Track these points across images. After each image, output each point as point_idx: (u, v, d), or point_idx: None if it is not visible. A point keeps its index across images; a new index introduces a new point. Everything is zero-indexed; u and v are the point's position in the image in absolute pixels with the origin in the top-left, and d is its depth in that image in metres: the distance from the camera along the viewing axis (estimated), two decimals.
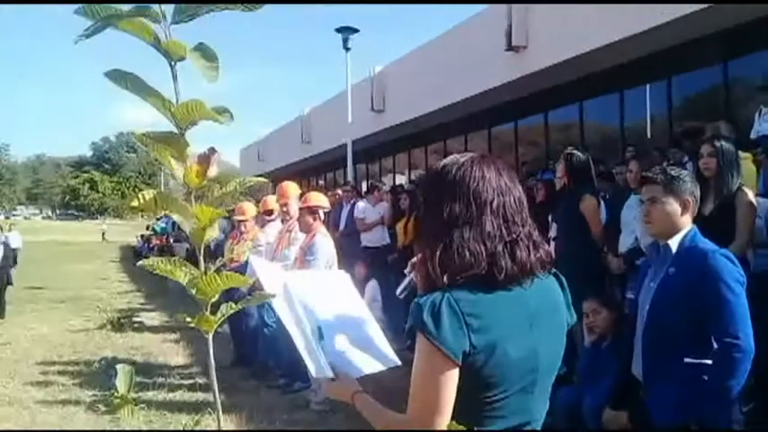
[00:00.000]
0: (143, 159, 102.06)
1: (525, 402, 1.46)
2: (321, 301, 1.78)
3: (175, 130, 0.89)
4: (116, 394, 1.11)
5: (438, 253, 1.42)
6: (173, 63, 0.83)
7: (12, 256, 11.90)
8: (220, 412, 1.02)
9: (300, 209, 6.08)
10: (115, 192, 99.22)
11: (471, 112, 13.52)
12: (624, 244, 5.25)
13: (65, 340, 9.44)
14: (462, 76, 12.36)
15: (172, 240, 20.08)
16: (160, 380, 6.71)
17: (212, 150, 0.89)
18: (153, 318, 11.42)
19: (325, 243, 5.82)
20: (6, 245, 11.91)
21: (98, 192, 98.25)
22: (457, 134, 15.74)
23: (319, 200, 6.10)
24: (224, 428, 1.05)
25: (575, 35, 9.68)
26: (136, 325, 10.38)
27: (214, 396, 1.06)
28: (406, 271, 2.00)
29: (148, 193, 0.92)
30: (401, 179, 17.49)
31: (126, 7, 0.76)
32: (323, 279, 1.95)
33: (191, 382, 6.67)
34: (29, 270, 17.47)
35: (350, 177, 15.58)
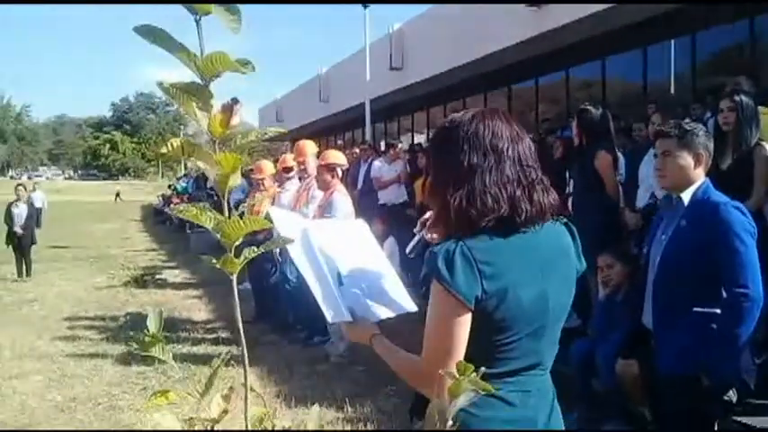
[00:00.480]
0: (162, 120, 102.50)
1: (535, 345, 1.52)
2: (340, 249, 1.83)
3: (200, 82, 0.94)
4: (147, 333, 1.18)
5: (459, 201, 1.48)
6: (198, 18, 0.88)
7: (36, 215, 12.11)
8: (246, 358, 1.09)
9: (318, 166, 6.13)
10: (135, 152, 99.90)
11: (491, 69, 13.35)
12: (642, 199, 5.26)
13: (90, 297, 9.70)
14: (482, 32, 12.19)
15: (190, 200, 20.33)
16: (184, 334, 6.90)
17: (235, 101, 0.94)
18: (175, 275, 11.66)
19: (343, 201, 5.89)
20: (31, 204, 12.12)
21: (119, 152, 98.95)
22: (476, 92, 15.59)
23: (337, 157, 6.15)
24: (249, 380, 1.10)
25: None
26: (159, 282, 10.62)
27: (240, 341, 1.12)
28: (415, 230, 2.05)
29: (176, 141, 0.98)
30: (420, 138, 17.43)
31: None
32: (342, 227, 1.99)
33: (213, 336, 6.87)
34: (52, 229, 17.81)
35: (368, 136, 15.57)
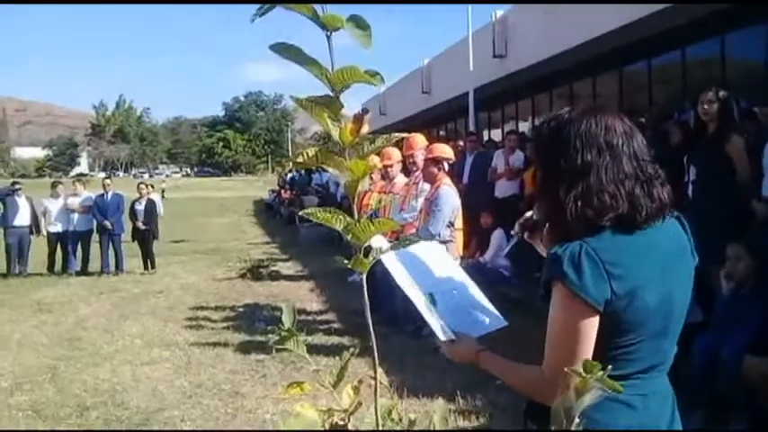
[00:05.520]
0: (271, 117, 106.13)
1: (658, 346, 1.47)
2: (425, 271, 1.84)
3: (331, 94, 1.00)
4: (281, 327, 1.26)
5: (574, 201, 1.44)
6: (329, 34, 0.94)
7: (156, 212, 12.91)
8: (375, 352, 1.14)
9: (425, 160, 6.18)
10: (246, 149, 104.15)
11: (599, 52, 12.89)
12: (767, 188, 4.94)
13: (210, 288, 10.25)
14: (590, 14, 11.80)
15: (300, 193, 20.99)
16: (299, 325, 7.16)
17: (365, 111, 1.00)
18: (288, 267, 12.10)
19: (450, 194, 5.91)
20: (151, 201, 12.90)
21: (231, 149, 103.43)
22: (584, 76, 15.09)
23: (444, 151, 6.17)
24: (379, 370, 1.15)
25: None
26: (272, 273, 11.05)
27: (369, 337, 1.18)
28: (512, 231, 2.02)
29: (311, 150, 1.04)
30: (524, 126, 17.11)
31: None
32: (422, 249, 1.99)
33: (326, 327, 7.09)
34: (173, 225, 18.92)
35: (471, 126, 15.45)
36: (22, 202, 12.39)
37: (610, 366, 1.19)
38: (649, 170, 1.47)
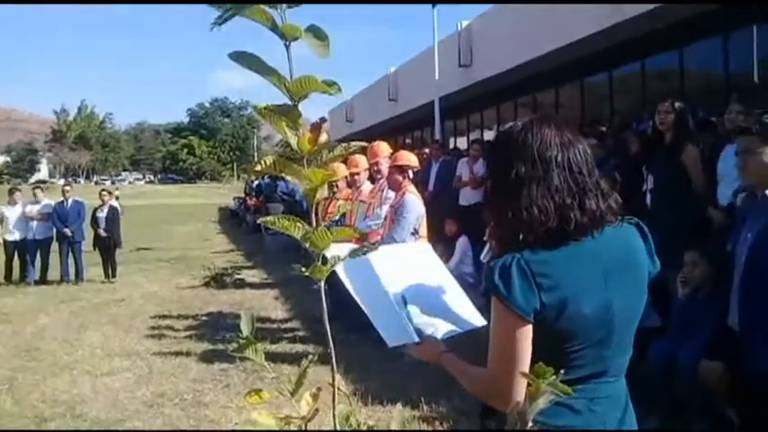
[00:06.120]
0: (237, 123, 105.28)
1: (601, 353, 1.50)
2: (405, 271, 1.87)
3: (289, 102, 1.01)
4: (240, 336, 1.26)
5: (509, 214, 1.49)
6: (287, 43, 0.95)
7: (118, 219, 12.70)
8: (333, 358, 1.15)
9: (390, 167, 6.20)
10: (211, 155, 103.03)
11: (562, 62, 13.11)
12: (723, 196, 5.09)
13: (173, 297, 10.12)
14: (552, 25, 12.00)
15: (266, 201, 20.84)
16: (262, 333, 7.11)
17: (323, 120, 1.01)
18: (253, 275, 12.01)
19: (415, 201, 5.94)
20: (113, 209, 12.69)
21: (195, 156, 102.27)
22: (547, 86, 15.34)
23: (409, 159, 6.20)
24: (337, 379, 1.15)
25: None
26: (237, 282, 10.96)
27: (328, 344, 1.19)
28: (485, 237, 2.07)
29: (269, 159, 1.05)
30: (489, 135, 17.29)
31: None
32: (406, 250, 2.02)
33: (291, 335, 7.05)
34: (136, 232, 18.62)
35: (437, 135, 15.56)
36: None
37: (562, 371, 1.22)
38: (584, 182, 1.49)
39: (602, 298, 1.48)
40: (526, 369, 1.42)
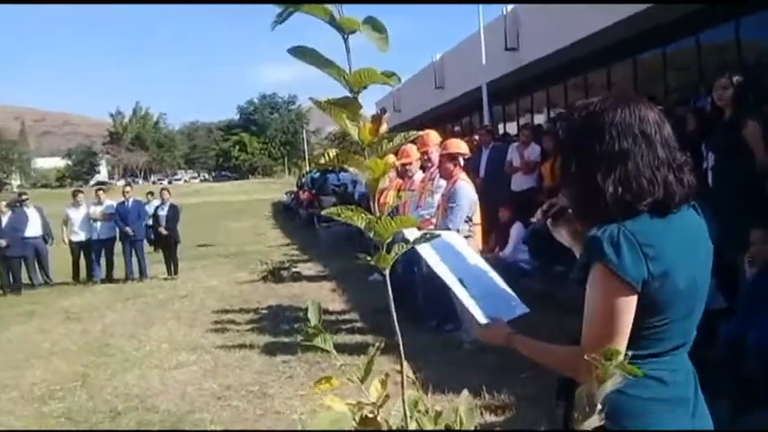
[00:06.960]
0: (285, 118, 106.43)
1: (685, 327, 1.53)
2: (453, 257, 1.89)
3: (349, 95, 1.03)
4: (309, 326, 1.29)
5: (614, 186, 1.48)
6: (345, 36, 0.96)
7: (177, 217, 13.01)
8: (402, 346, 1.17)
9: (440, 156, 6.19)
10: (263, 151, 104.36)
11: (613, 40, 12.78)
12: None
13: (233, 291, 10.35)
14: (602, 3, 11.70)
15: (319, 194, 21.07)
16: (323, 324, 7.21)
17: (383, 111, 1.02)
18: (309, 268, 12.16)
19: (467, 189, 5.92)
20: (175, 207, 13.02)
21: (247, 153, 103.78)
22: (598, 67, 14.98)
23: (459, 146, 6.18)
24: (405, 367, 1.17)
25: None
26: (294, 275, 11.12)
27: (395, 332, 1.21)
28: (533, 219, 2.03)
29: (332, 151, 1.07)
30: (539, 119, 17.01)
31: None
32: (444, 240, 2.02)
33: (349, 326, 7.13)
34: (194, 229, 19.07)
35: (486, 120, 15.41)
36: (31, 212, 12.50)
37: (630, 352, 1.21)
38: (680, 157, 1.53)
39: (691, 271, 1.50)
40: (626, 341, 1.44)
